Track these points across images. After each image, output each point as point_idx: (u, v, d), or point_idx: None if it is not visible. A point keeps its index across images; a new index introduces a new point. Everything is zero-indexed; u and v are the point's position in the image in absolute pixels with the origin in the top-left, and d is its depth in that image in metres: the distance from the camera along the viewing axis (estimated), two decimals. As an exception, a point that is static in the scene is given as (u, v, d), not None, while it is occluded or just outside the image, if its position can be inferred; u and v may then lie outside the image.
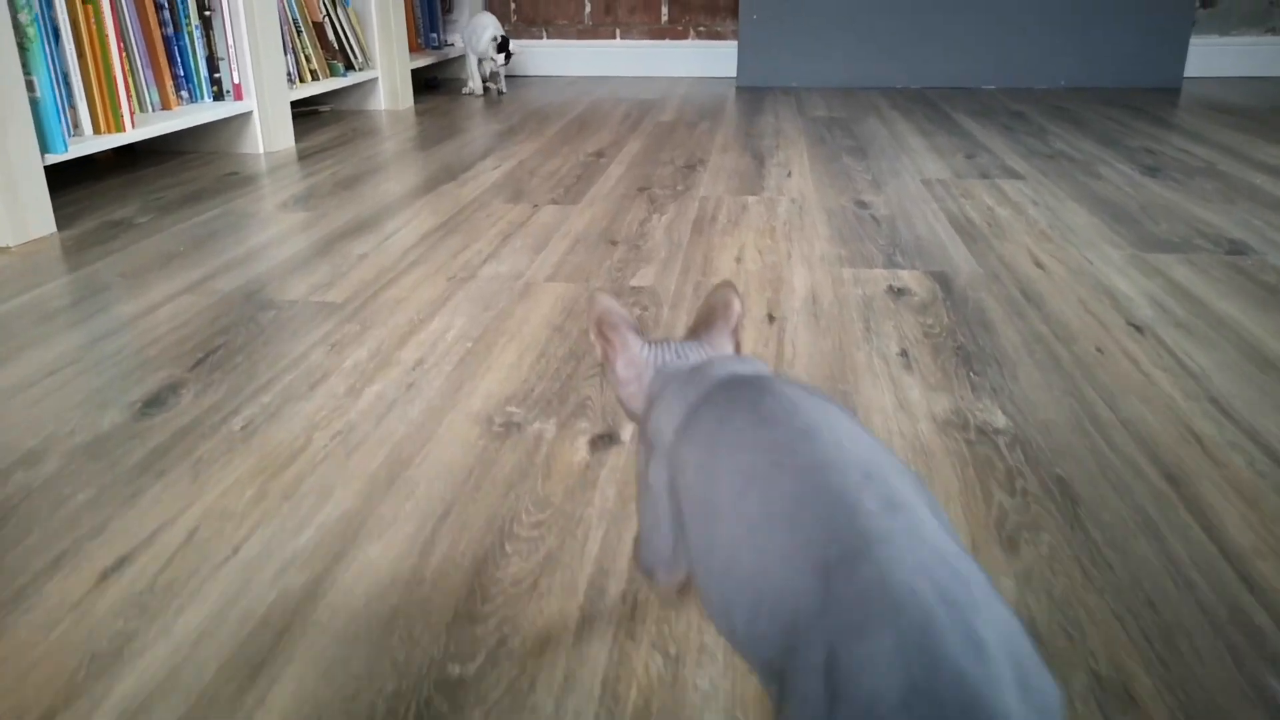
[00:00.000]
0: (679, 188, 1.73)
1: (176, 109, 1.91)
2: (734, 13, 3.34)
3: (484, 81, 3.03)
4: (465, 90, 3.02)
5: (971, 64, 3.05)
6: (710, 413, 0.41)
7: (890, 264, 1.25)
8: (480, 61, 2.99)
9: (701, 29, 3.38)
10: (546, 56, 3.47)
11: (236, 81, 1.99)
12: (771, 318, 1.06)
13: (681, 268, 1.25)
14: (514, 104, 2.78)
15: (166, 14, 1.87)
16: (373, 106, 2.69)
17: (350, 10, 2.48)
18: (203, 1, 1.92)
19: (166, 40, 1.88)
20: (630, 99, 2.87)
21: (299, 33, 2.27)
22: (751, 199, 1.63)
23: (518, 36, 3.47)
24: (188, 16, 1.90)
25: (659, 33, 3.40)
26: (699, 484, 0.39)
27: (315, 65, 2.33)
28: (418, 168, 1.91)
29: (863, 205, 1.58)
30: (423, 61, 2.96)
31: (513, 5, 3.43)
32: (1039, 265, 1.24)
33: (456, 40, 3.39)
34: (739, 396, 0.41)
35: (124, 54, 1.68)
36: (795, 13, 3.05)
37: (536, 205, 1.61)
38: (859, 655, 0.28)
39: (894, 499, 0.33)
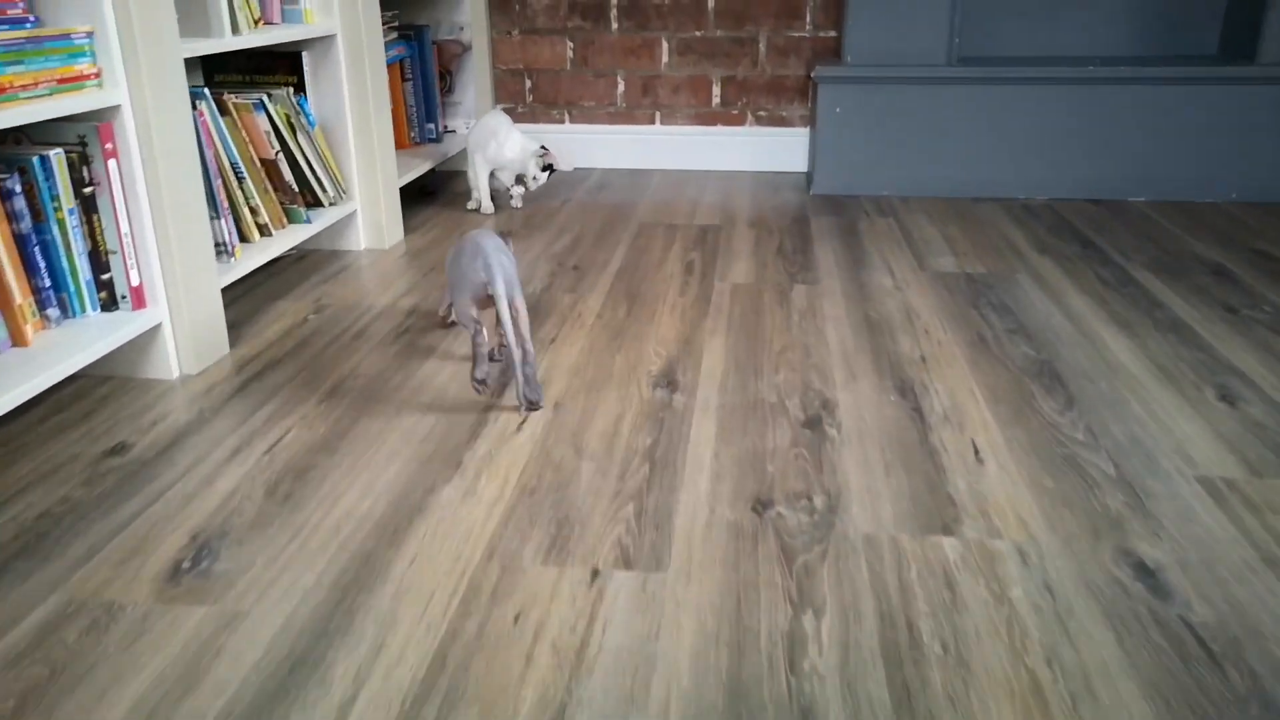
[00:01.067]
0: (813, 503, 1.08)
1: (39, 334, 1.27)
2: (804, 94, 2.70)
3: (507, 186, 2.39)
4: (470, 205, 2.38)
5: (1111, 170, 2.40)
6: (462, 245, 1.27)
7: None
8: (495, 173, 2.35)
9: (762, 114, 2.74)
10: (569, 145, 2.82)
11: (136, 283, 1.36)
12: None
13: None
14: (532, 230, 2.15)
15: (20, 200, 1.23)
16: (351, 244, 2.06)
17: (316, 133, 1.84)
18: (81, 174, 1.28)
19: (20, 238, 1.24)
20: (682, 216, 2.23)
21: (239, 181, 1.63)
22: (947, 544, 0.99)
23: (534, 120, 2.83)
24: (56, 199, 1.26)
25: (709, 118, 2.76)
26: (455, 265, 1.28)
27: (266, 217, 1.69)
28: (398, 424, 1.27)
29: (1145, 575, 0.93)
30: (416, 168, 2.31)
31: (527, 83, 2.79)
32: None
33: (459, 126, 2.75)
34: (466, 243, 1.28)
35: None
36: (889, 105, 2.41)
37: (595, 569, 0.97)
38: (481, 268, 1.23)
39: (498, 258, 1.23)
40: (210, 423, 1.28)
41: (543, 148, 2.26)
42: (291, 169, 1.77)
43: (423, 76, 2.53)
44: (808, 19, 2.63)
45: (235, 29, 1.57)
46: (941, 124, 2.41)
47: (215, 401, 1.34)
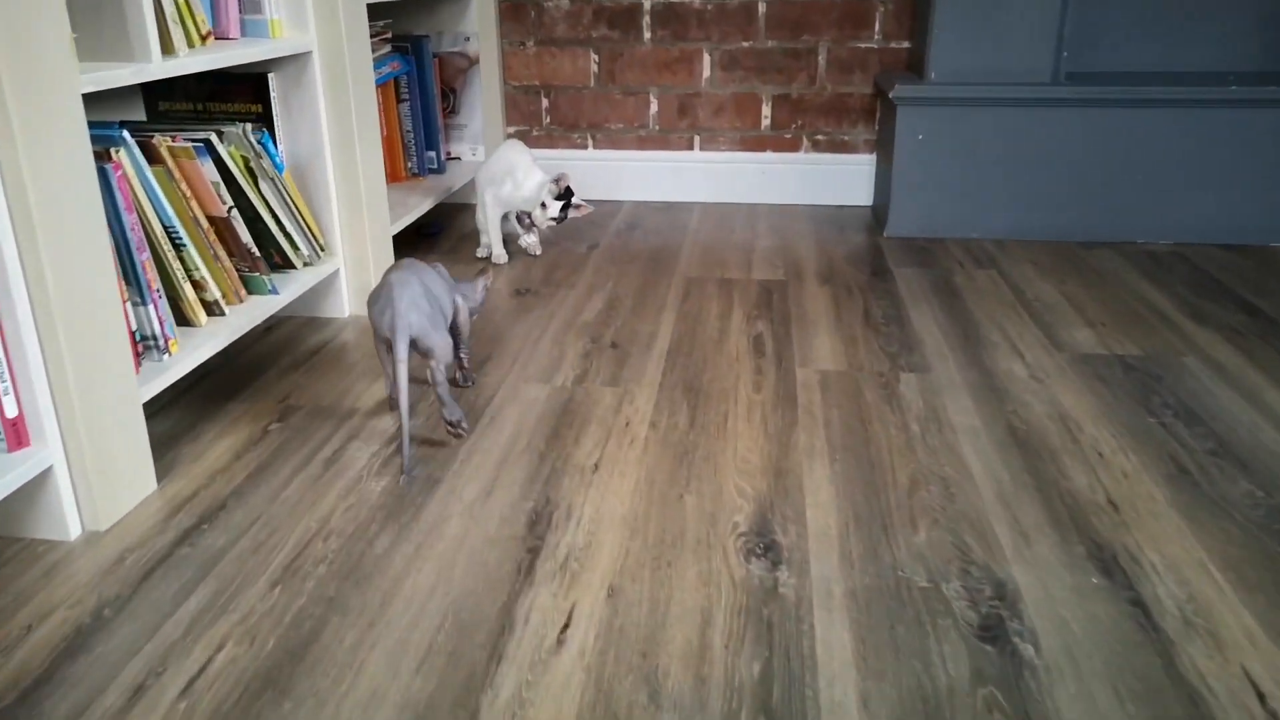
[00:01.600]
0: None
1: None
2: (869, 115, 2.30)
3: (521, 229, 1.99)
4: (480, 253, 1.98)
5: (1250, 210, 2.00)
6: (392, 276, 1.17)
7: None
8: (509, 215, 1.96)
9: (820, 138, 2.34)
10: (593, 175, 2.42)
11: (13, 415, 0.96)
12: None
13: None
14: (554, 288, 1.75)
15: None
16: (333, 310, 1.66)
17: (284, 178, 1.44)
18: (-79, 264, 0.87)
19: None
20: (735, 265, 1.83)
21: (178, 250, 1.22)
22: None
23: (552, 146, 2.43)
24: (-118, 303, 0.86)
25: (757, 143, 2.36)
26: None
27: (217, 292, 1.29)
28: (383, 631, 0.87)
29: None
30: (414, 207, 1.91)
31: (544, 102, 2.39)
32: None
33: (465, 152, 2.35)
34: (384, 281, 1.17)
35: None
36: (981, 131, 2.01)
37: None
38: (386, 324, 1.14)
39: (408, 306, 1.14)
40: (110, 629, 0.87)
41: (560, 176, 1.86)
42: (250, 227, 1.37)
43: (422, 96, 2.13)
44: (876, 28, 2.23)
45: (168, 49, 1.17)
46: (1045, 153, 2.01)
47: (123, 584, 0.93)
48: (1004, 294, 1.73)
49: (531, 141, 2.43)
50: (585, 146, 2.42)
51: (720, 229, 2.18)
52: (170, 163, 1.21)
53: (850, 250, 2.01)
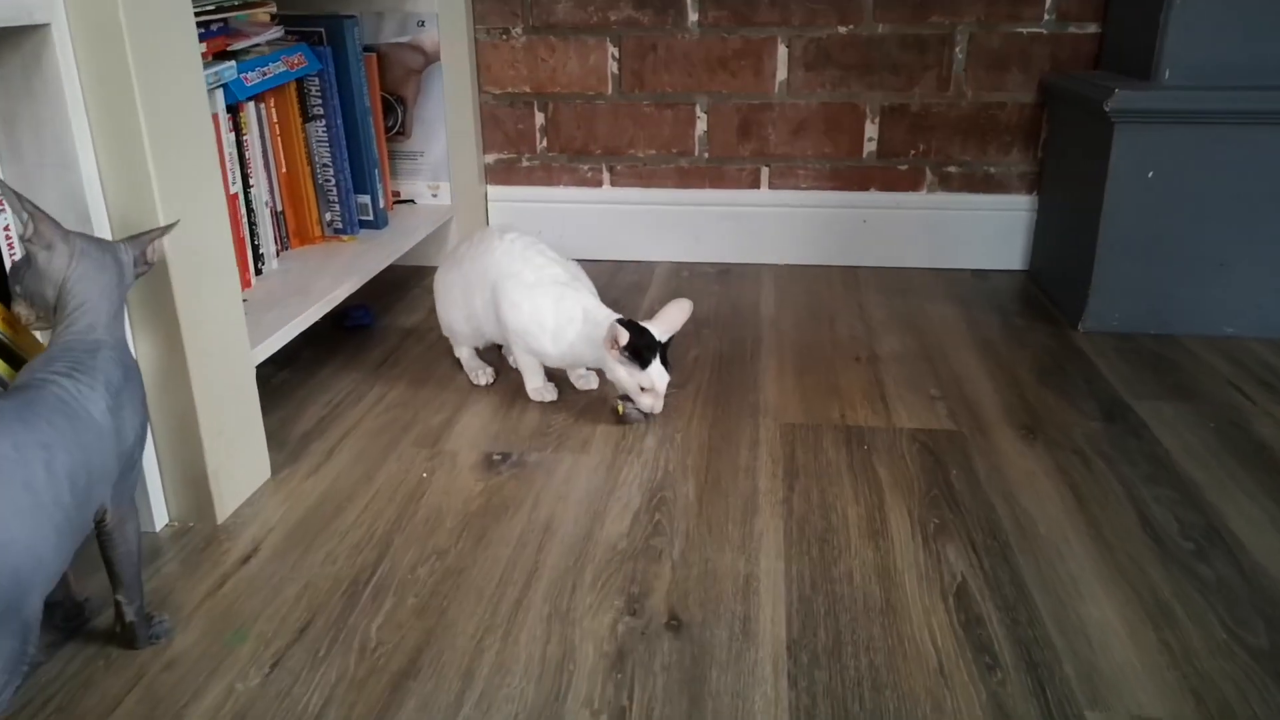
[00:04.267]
0: None
1: None
2: (1028, 137, 1.52)
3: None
4: (481, 379, 1.18)
5: None
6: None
7: None
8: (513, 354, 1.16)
9: (952, 171, 1.56)
10: (611, 225, 1.65)
11: None
12: None
13: None
14: (541, 452, 0.98)
15: None
16: (141, 522, 0.87)
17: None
18: None
19: None
20: (857, 390, 1.05)
21: None
22: None
23: (548, 182, 1.65)
24: None
25: (855, 177, 1.58)
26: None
27: None
28: None
29: None
30: (324, 295, 1.13)
31: (539, 118, 1.62)
32: None
33: (420, 193, 1.58)
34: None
35: None
36: (1244, 166, 1.23)
37: None
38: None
39: None
40: None
41: (621, 327, 1.04)
42: None
43: (346, 111, 1.36)
44: (1047, 3, 1.46)
45: None
46: (1353, 201, 1.23)
47: None
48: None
49: (525, 175, 1.65)
50: (599, 184, 1.64)
51: (811, 312, 1.40)
52: None
53: (1036, 359, 1.23)
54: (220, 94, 1.10)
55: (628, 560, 0.82)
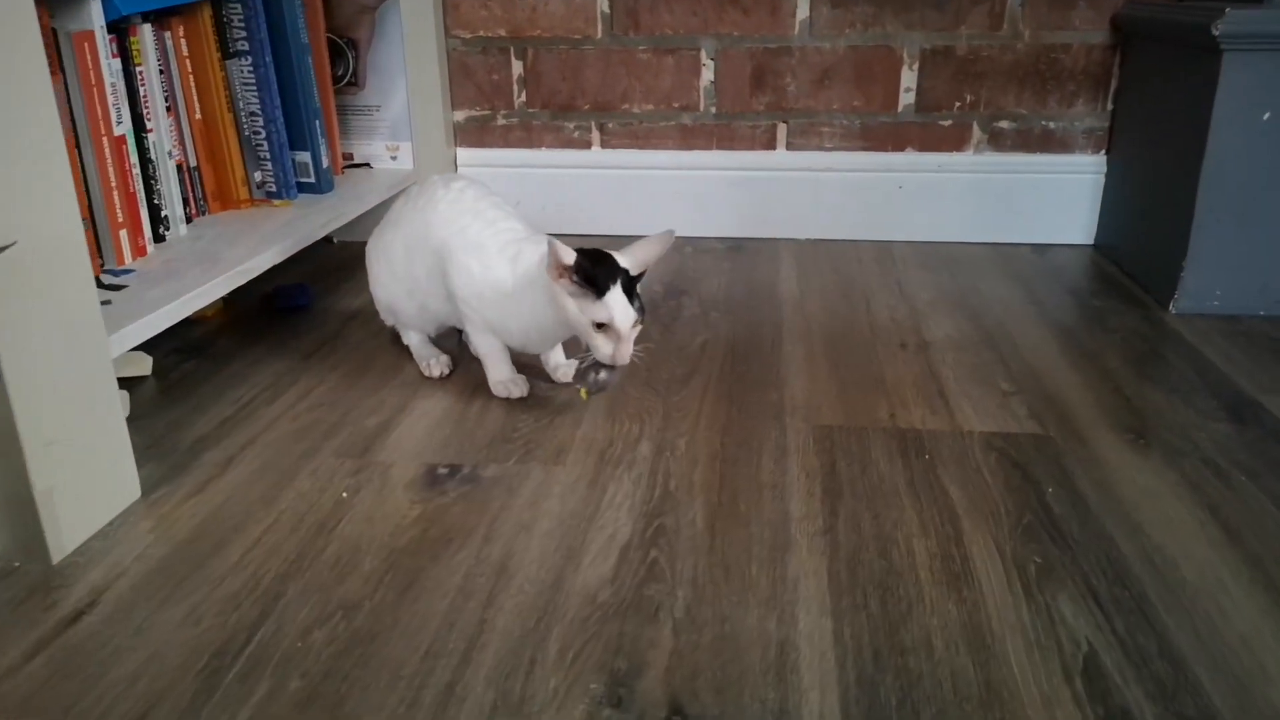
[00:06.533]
0: None
1: None
2: (1097, 87, 1.28)
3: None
4: (435, 370, 0.94)
5: None
6: None
7: None
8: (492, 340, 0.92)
9: (1004, 126, 1.32)
10: (602, 192, 1.41)
11: None
12: None
13: None
14: (505, 463, 0.74)
15: None
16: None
17: None
18: None
19: None
20: (907, 384, 0.81)
21: None
22: None
23: (529, 144, 1.41)
24: None
25: (889, 136, 1.34)
26: None
27: None
28: None
29: None
30: (242, 268, 0.90)
31: (516, 68, 1.38)
32: None
33: (376, 156, 1.34)
34: None
35: None
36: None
37: None
38: None
39: None
40: None
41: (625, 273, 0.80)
42: None
43: (278, 53, 1.12)
44: (1122, -79, 1.22)
45: None
46: None
47: None
48: None
49: (500, 135, 1.42)
50: (588, 145, 1.40)
51: (842, 293, 1.16)
52: None
53: (1127, 347, 0.99)
54: (97, 6, 0.86)
55: (611, 619, 0.58)
